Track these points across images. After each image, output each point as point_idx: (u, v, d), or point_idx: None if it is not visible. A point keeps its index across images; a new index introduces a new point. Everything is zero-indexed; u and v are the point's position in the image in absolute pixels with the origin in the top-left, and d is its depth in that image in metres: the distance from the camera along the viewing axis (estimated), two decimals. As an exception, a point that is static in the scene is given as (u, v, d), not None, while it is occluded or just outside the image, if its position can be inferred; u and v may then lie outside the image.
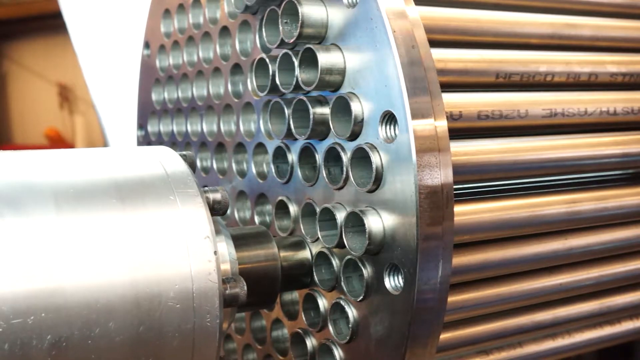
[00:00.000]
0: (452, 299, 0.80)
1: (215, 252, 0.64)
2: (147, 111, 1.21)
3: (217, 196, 0.70)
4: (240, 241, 0.79)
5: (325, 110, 0.77)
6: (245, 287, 0.68)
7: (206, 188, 0.70)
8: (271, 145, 0.88)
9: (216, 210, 0.69)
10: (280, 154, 0.87)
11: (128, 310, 0.60)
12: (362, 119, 0.73)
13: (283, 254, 0.82)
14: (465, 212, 0.80)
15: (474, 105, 0.82)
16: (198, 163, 1.07)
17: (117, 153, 0.71)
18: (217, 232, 0.71)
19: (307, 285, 0.84)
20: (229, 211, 1.01)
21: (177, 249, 0.63)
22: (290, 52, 0.80)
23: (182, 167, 0.69)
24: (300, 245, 0.84)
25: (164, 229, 0.63)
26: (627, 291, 1.01)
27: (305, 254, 0.83)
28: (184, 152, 0.72)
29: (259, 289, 0.79)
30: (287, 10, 0.79)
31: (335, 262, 0.79)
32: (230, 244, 0.75)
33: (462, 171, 0.78)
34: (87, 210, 0.61)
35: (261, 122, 0.91)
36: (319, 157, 0.80)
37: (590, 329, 1.00)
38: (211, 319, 0.63)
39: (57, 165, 0.66)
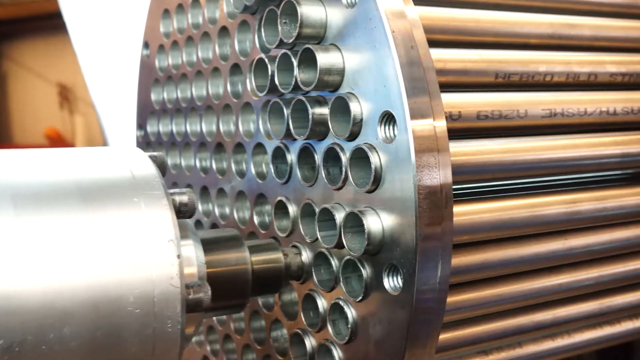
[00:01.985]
0: (451, 299, 0.80)
1: (178, 256, 0.62)
2: (146, 111, 1.21)
3: (184, 199, 0.68)
4: (210, 245, 0.77)
5: (324, 111, 0.77)
6: (210, 292, 0.66)
7: (173, 190, 0.68)
8: (270, 146, 0.88)
9: (183, 213, 0.68)
10: (279, 154, 0.87)
11: (85, 314, 0.58)
12: (361, 119, 0.73)
13: (255, 257, 0.81)
14: (465, 213, 0.80)
15: (473, 106, 0.82)
16: (197, 163, 1.06)
17: (84, 154, 0.69)
18: (185, 235, 0.70)
19: (279, 289, 0.84)
20: (228, 211, 1.01)
21: (139, 252, 0.61)
22: (289, 52, 0.80)
23: (150, 168, 0.67)
24: (272, 248, 0.83)
25: (125, 232, 0.62)
26: (626, 291, 1.01)
27: (278, 258, 0.82)
28: (155, 153, 0.71)
29: (228, 292, 0.78)
30: (286, 11, 0.79)
31: (334, 263, 0.79)
32: (198, 248, 0.73)
33: (461, 171, 0.78)
34: (46, 211, 0.60)
35: (260, 122, 0.91)
36: (318, 158, 0.80)
37: (590, 329, 1.00)
38: (172, 325, 0.62)
39: (17, 165, 0.64)
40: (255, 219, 0.94)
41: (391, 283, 0.72)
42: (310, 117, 0.77)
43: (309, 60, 0.76)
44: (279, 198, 0.87)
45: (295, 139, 0.82)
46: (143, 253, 0.61)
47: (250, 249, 0.81)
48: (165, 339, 0.61)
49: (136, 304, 0.60)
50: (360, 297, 0.75)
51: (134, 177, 0.65)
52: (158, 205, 0.64)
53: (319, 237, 0.79)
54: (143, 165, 0.67)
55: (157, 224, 0.63)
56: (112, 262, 0.60)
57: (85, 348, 0.58)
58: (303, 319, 0.84)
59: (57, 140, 7.89)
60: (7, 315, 0.56)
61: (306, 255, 0.83)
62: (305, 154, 0.82)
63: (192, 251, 0.71)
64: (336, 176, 0.78)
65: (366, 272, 0.74)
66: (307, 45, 0.76)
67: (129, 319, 0.60)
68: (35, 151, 0.69)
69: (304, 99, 0.78)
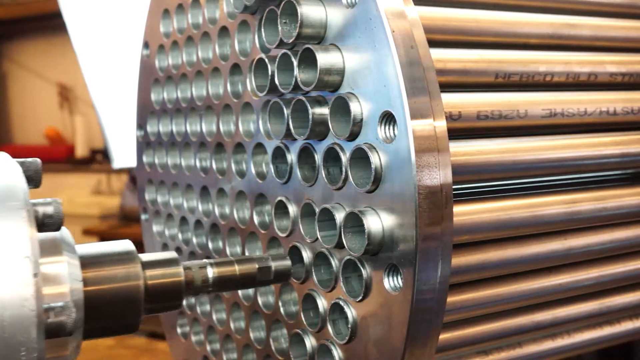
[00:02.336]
0: (451, 299, 0.80)
1: (35, 274, 0.56)
2: (146, 111, 1.21)
3: (49, 210, 0.61)
4: (94, 261, 0.71)
5: (324, 111, 0.77)
6: (74, 314, 0.58)
7: (36, 200, 0.62)
8: (270, 146, 0.88)
9: (47, 225, 0.61)
10: (279, 154, 0.87)
11: None
12: (361, 119, 0.73)
13: (150, 272, 0.75)
14: (465, 212, 0.80)
15: (473, 106, 0.82)
16: (197, 163, 1.06)
17: None
18: (54, 251, 0.65)
19: (179, 306, 0.79)
20: (228, 211, 1.01)
21: None
22: (289, 52, 0.80)
23: (11, 175, 0.60)
24: (171, 262, 0.78)
25: None
26: (626, 291, 1.01)
27: (178, 272, 0.77)
28: (29, 159, 0.66)
29: (115, 311, 0.72)
30: (286, 10, 0.79)
31: (334, 263, 0.79)
32: (73, 264, 0.66)
33: (461, 171, 0.78)
34: None
35: (260, 122, 0.91)
36: (318, 158, 0.80)
37: (590, 329, 1.00)
38: (27, 353, 0.54)
39: None
40: (255, 219, 0.94)
41: (391, 283, 0.72)
42: (310, 117, 0.77)
43: (309, 60, 0.76)
44: (279, 198, 0.87)
45: (295, 139, 0.82)
46: None
47: (145, 264, 0.75)
48: None
49: None
50: (360, 297, 0.75)
51: None
52: (12, 218, 0.57)
53: (319, 237, 0.79)
54: (5, 172, 0.60)
55: (9, 239, 0.56)
56: None
57: None
58: (303, 319, 0.84)
59: (57, 140, 7.89)
60: None
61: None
62: (305, 154, 0.82)
63: (64, 268, 0.64)
64: (336, 176, 0.78)
65: (366, 272, 0.74)
66: (307, 45, 0.76)
67: None
68: None
69: (304, 99, 0.78)
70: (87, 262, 0.70)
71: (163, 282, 0.76)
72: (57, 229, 0.62)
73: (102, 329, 0.71)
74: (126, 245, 0.76)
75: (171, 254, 0.79)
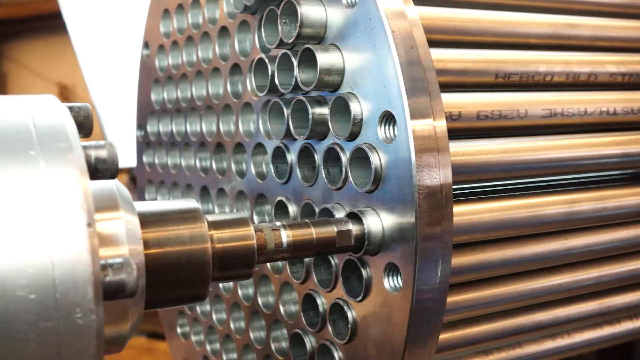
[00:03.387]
0: (451, 299, 0.80)
1: (89, 225, 0.48)
2: (146, 111, 1.21)
3: (102, 153, 0.52)
4: (154, 218, 0.63)
5: (324, 111, 0.77)
6: (135, 272, 0.50)
7: (87, 143, 0.53)
8: (270, 146, 0.88)
9: (100, 172, 0.52)
10: (279, 154, 0.87)
11: None
12: (361, 119, 0.73)
13: (218, 234, 0.67)
14: (465, 213, 0.80)
15: (473, 106, 0.82)
16: (197, 163, 1.06)
17: None
18: (110, 204, 0.56)
19: (249, 275, 0.70)
20: (228, 211, 1.01)
21: (32, 221, 0.47)
22: (289, 52, 0.80)
23: (59, 116, 0.52)
24: (241, 223, 0.69)
25: (14, 192, 0.47)
26: (626, 291, 1.01)
27: (249, 234, 0.69)
28: (78, 104, 0.58)
29: (179, 278, 0.63)
30: (286, 10, 0.79)
31: (334, 263, 0.79)
32: (132, 222, 0.58)
33: (461, 171, 0.78)
34: None
35: (260, 122, 0.91)
36: (318, 158, 0.80)
37: (590, 329, 1.00)
38: (83, 315, 0.47)
39: None
40: (255, 219, 0.94)
41: (391, 283, 0.72)
42: (310, 117, 0.77)
43: (309, 60, 0.76)
44: (279, 198, 0.87)
45: (295, 139, 0.82)
46: (38, 222, 0.47)
47: (211, 225, 0.67)
48: (75, 335, 0.47)
49: (29, 287, 0.46)
50: (360, 297, 0.75)
51: (35, 127, 0.50)
52: (61, 161, 0.49)
53: (319, 237, 0.79)
54: (51, 113, 0.52)
55: (59, 184, 0.48)
56: None
57: None
58: (303, 319, 0.84)
59: (57, 140, 7.90)
60: None
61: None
62: (305, 154, 0.82)
63: (121, 226, 0.56)
64: (336, 176, 0.78)
65: (366, 272, 0.74)
66: (307, 45, 0.76)
67: (20, 307, 0.45)
68: None
69: (304, 99, 0.78)
70: (146, 220, 0.61)
71: (233, 245, 0.67)
72: (112, 176, 0.53)
73: (165, 299, 0.63)
74: (190, 203, 0.67)
75: (240, 214, 0.70)
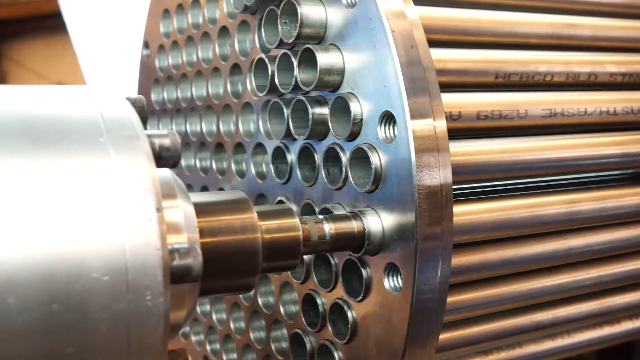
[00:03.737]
0: (451, 299, 0.80)
1: (158, 209, 0.49)
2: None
3: (165, 142, 0.53)
4: (207, 207, 0.64)
5: (324, 111, 0.77)
6: (200, 257, 0.51)
7: (152, 132, 0.55)
8: (270, 146, 0.88)
9: (164, 159, 0.54)
10: (279, 154, 0.87)
11: (36, 281, 0.45)
12: (361, 119, 0.73)
13: (266, 224, 0.67)
14: (465, 212, 0.80)
15: (473, 106, 0.82)
16: (197, 163, 1.06)
17: (40, 91, 0.56)
18: (170, 192, 0.57)
19: (295, 266, 0.72)
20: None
21: (105, 205, 0.48)
22: (289, 52, 0.80)
23: (124, 108, 0.54)
24: (287, 214, 0.70)
25: (87, 179, 0.49)
26: (626, 291, 1.01)
27: (295, 225, 0.69)
28: (134, 96, 0.59)
29: (231, 267, 0.64)
30: (286, 10, 0.79)
31: (334, 262, 0.79)
32: (187, 209, 0.58)
33: (461, 171, 0.78)
34: None
35: (260, 122, 0.91)
36: (318, 158, 0.80)
37: (590, 329, 1.00)
38: (153, 298, 0.48)
39: None
40: (255, 219, 0.94)
41: (391, 283, 0.72)
42: (310, 117, 0.77)
43: (309, 60, 0.76)
44: (279, 198, 0.87)
45: (295, 139, 0.82)
46: (110, 206, 0.48)
47: (259, 215, 0.67)
48: (145, 316, 0.48)
49: (103, 269, 0.47)
50: (360, 297, 0.75)
51: (102, 117, 0.52)
52: (130, 148, 0.50)
53: (319, 237, 0.79)
54: (115, 103, 0.54)
55: (128, 170, 0.49)
56: (69, 218, 0.47)
57: (38, 326, 0.45)
58: (303, 319, 0.84)
59: (57, 140, 7.90)
60: None
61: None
62: (305, 154, 0.82)
63: (180, 214, 0.57)
64: (336, 176, 0.78)
65: (366, 272, 0.74)
66: (307, 45, 0.76)
67: (94, 288, 0.46)
68: None
69: (304, 99, 0.78)
70: (199, 209, 0.61)
71: (280, 236, 0.68)
72: (174, 164, 0.55)
73: (216, 287, 0.64)
74: (238, 193, 0.68)
75: (285, 205, 0.71)
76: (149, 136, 0.53)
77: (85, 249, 0.47)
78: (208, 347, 1.09)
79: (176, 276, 0.50)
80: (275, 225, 0.68)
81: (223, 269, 0.62)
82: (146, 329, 0.48)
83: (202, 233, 0.62)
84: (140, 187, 0.49)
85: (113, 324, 0.47)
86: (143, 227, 0.48)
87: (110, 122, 0.51)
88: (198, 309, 1.10)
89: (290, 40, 0.78)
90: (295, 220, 0.70)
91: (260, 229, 0.66)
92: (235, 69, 0.96)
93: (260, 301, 0.94)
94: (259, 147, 0.92)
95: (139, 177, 0.49)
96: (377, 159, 0.71)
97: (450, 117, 0.79)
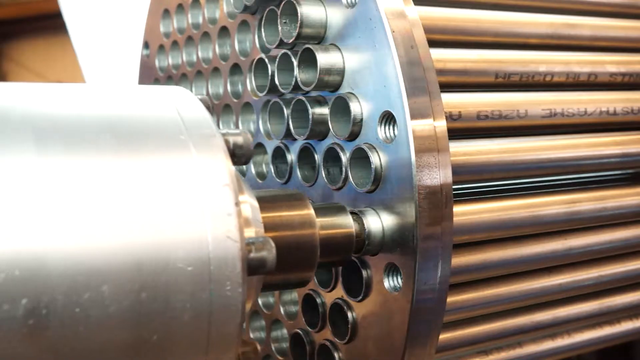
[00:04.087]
0: (451, 299, 0.80)
1: (236, 204, 0.51)
2: (146, 111, 1.21)
3: (239, 140, 0.56)
4: (268, 203, 0.65)
5: (324, 111, 0.77)
6: (274, 251, 0.53)
7: (225, 130, 0.57)
8: (270, 145, 0.88)
9: (237, 156, 0.56)
10: (279, 154, 0.87)
11: (126, 271, 0.48)
12: (361, 119, 0.73)
13: (322, 220, 0.69)
14: (465, 212, 0.80)
15: (473, 106, 0.82)
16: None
17: (119, 90, 0.59)
18: (240, 188, 0.59)
19: (347, 262, 0.72)
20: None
21: (188, 199, 0.50)
22: (289, 52, 0.80)
23: (199, 107, 0.56)
24: (340, 210, 0.72)
25: (170, 174, 0.51)
26: (626, 291, 1.01)
27: (348, 222, 0.70)
28: (198, 96, 0.61)
29: (290, 262, 0.66)
30: (286, 10, 0.79)
31: (334, 263, 0.79)
32: (254, 206, 0.60)
33: (461, 171, 0.78)
34: (74, 151, 0.50)
35: (260, 122, 0.91)
36: (318, 158, 0.80)
37: (590, 329, 1.00)
38: (232, 288, 0.50)
39: (39, 98, 0.54)
40: (255, 219, 0.94)
41: (391, 283, 0.72)
42: (310, 117, 0.77)
43: (309, 60, 0.76)
44: (279, 198, 0.87)
45: (295, 139, 0.82)
46: (193, 200, 0.50)
47: (315, 211, 0.69)
48: (224, 306, 0.50)
49: (187, 260, 0.49)
50: (360, 297, 0.75)
51: (180, 114, 0.54)
52: (209, 145, 0.53)
53: (319, 237, 0.79)
54: (191, 103, 0.56)
55: (208, 167, 0.52)
56: (154, 211, 0.49)
57: (128, 314, 0.47)
58: (303, 319, 0.84)
59: (57, 140, 7.90)
60: (31, 270, 0.45)
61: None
62: (305, 154, 0.82)
63: (248, 209, 0.58)
64: (336, 176, 0.78)
65: (366, 272, 0.74)
66: (307, 45, 0.76)
67: (179, 278, 0.49)
68: (59, 85, 0.58)
69: (304, 99, 0.78)
70: (261, 205, 0.63)
71: (335, 232, 0.69)
72: (247, 161, 0.57)
73: (276, 282, 0.65)
74: (294, 190, 0.70)
75: (337, 203, 0.72)
76: (223, 134, 0.55)
77: (171, 241, 0.49)
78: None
79: (252, 268, 0.52)
80: (329, 221, 0.70)
81: (283, 263, 0.63)
82: (225, 318, 0.50)
83: (265, 228, 0.63)
84: (220, 183, 0.51)
85: (196, 313, 0.49)
86: (224, 221, 0.50)
87: (188, 121, 0.54)
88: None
89: (290, 40, 0.78)
90: (349, 217, 0.71)
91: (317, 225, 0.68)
92: (235, 69, 0.96)
93: (260, 301, 0.94)
94: (259, 147, 0.92)
95: (219, 173, 0.52)
96: (377, 159, 0.71)
97: (450, 117, 0.79)
